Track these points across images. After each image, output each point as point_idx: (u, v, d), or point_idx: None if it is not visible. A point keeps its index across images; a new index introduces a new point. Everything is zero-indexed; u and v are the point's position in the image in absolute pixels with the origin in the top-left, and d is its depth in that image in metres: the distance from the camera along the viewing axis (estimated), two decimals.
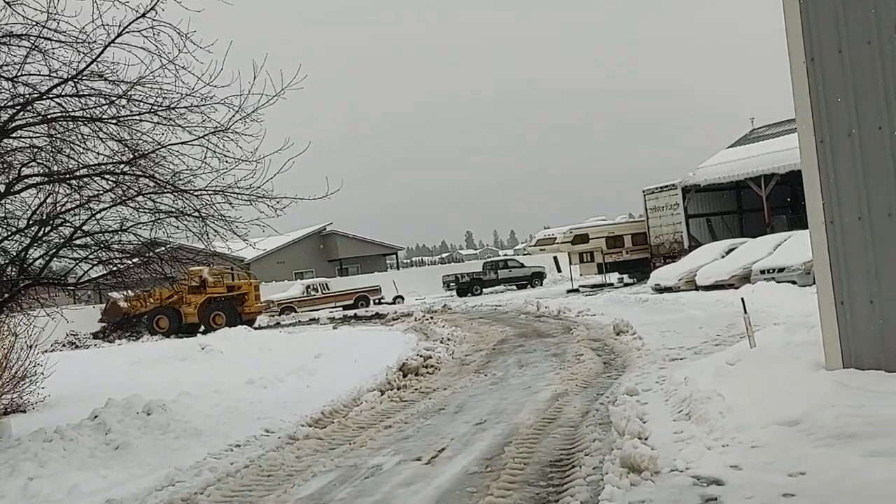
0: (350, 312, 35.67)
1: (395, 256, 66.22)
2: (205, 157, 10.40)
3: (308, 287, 40.06)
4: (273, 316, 37.19)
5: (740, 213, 35.30)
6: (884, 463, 5.06)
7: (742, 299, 9.58)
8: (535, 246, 39.53)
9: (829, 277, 7.41)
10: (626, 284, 34.10)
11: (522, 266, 43.48)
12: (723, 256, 24.67)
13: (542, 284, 42.69)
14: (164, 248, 11.85)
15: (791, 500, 4.84)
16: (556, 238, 36.59)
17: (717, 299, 19.62)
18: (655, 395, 8.75)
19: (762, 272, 21.05)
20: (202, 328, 31.18)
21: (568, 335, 16.91)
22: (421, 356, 14.56)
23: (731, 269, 22.92)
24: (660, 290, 25.45)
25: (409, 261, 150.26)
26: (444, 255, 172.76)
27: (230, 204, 10.79)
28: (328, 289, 40.57)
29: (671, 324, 16.57)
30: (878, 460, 5.12)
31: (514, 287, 42.05)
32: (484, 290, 41.17)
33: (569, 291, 34.01)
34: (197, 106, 10.06)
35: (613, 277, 36.04)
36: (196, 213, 10.70)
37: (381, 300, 41.22)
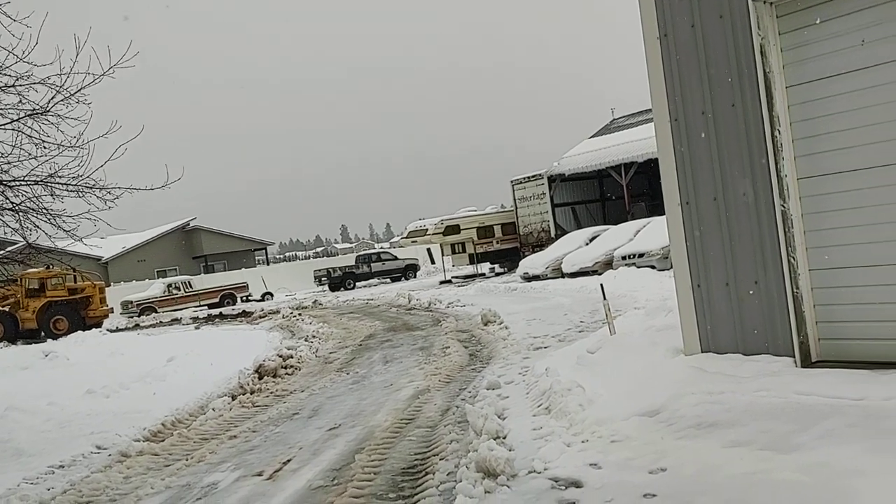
0: (215, 311, 34.06)
1: (264, 252, 64.09)
2: (20, 142, 9.25)
3: (170, 286, 38.00)
4: (132, 317, 34.98)
5: (603, 201, 36.16)
6: (744, 454, 4.81)
7: (601, 286, 9.38)
8: (407, 238, 39.02)
9: (685, 260, 7.23)
10: (498, 274, 34.25)
11: (396, 259, 42.90)
12: (587, 244, 25.08)
13: (415, 277, 42.30)
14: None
15: (652, 500, 4.48)
16: (427, 229, 36.26)
17: (582, 286, 19.79)
18: (517, 387, 8.37)
19: (623, 258, 21.47)
20: (42, 334, 28.73)
21: (437, 327, 16.50)
22: (281, 356, 13.70)
23: (595, 255, 23.28)
24: (528, 278, 25.60)
25: (281, 256, 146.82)
26: (319, 249, 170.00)
27: (53, 196, 9.67)
28: (191, 287, 38.64)
29: (538, 311, 16.48)
30: (739, 452, 4.86)
31: (388, 280, 41.45)
32: (357, 283, 40.32)
33: (441, 283, 33.77)
34: (11, 85, 8.92)
35: (485, 267, 36.14)
36: (12, 207, 9.49)
37: (249, 297, 39.66)
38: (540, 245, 32.08)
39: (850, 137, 6.12)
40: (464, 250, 35.90)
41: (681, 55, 7.01)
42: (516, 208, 35.19)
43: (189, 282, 39.35)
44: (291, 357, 13.88)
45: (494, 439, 6.06)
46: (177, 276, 45.75)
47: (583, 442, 5.72)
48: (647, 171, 31.18)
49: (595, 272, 22.47)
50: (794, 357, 6.39)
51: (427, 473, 5.93)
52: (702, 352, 7.16)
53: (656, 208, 29.13)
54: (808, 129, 6.34)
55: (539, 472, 5.30)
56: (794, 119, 6.40)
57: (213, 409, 10.16)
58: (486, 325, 14.96)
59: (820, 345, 6.44)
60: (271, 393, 11.12)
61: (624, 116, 37.46)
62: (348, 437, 7.59)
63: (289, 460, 7.04)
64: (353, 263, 42.91)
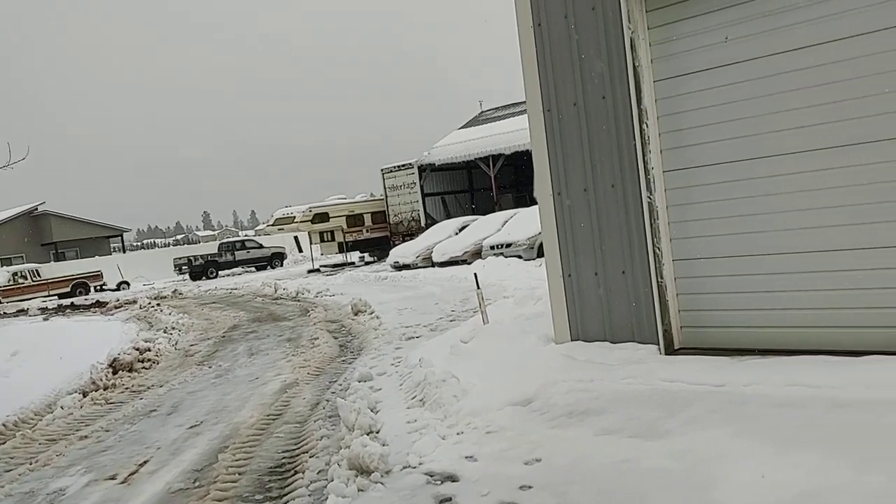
0: (67, 302, 31.91)
1: (120, 239, 60.73)
2: None
3: (15, 274, 35.33)
4: None
5: (472, 192, 36.59)
6: (615, 442, 4.88)
7: (475, 275, 9.38)
8: (273, 226, 37.94)
9: (556, 249, 7.30)
10: (367, 263, 33.95)
11: (261, 247, 41.66)
12: (457, 233, 25.28)
13: (282, 265, 41.27)
14: None
15: (528, 492, 4.45)
16: (295, 217, 35.41)
17: (453, 275, 19.91)
18: (390, 379, 8.22)
19: (492, 248, 21.78)
20: None
21: (305, 318, 16.09)
22: (137, 349, 12.91)
23: (464, 245, 23.49)
24: (399, 267, 25.52)
25: (139, 243, 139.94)
26: (179, 236, 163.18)
27: None
28: (39, 276, 36.04)
29: (409, 301, 16.41)
30: (610, 440, 4.93)
31: (254, 269, 40.22)
32: (220, 272, 38.87)
33: (310, 272, 33.10)
34: None
35: (355, 256, 35.74)
36: None
37: (104, 287, 37.43)
38: (410, 234, 32.08)
39: (713, 132, 6.33)
40: (333, 239, 35.35)
41: (554, 46, 7.04)
42: (387, 197, 35.02)
43: (37, 270, 36.73)
44: (149, 350, 13.12)
45: (367, 434, 5.89)
46: (23, 263, 42.57)
47: (458, 434, 5.64)
48: (514, 164, 31.82)
49: (465, 261, 22.69)
50: (658, 345, 6.58)
51: (296, 472, 5.67)
52: (571, 340, 7.26)
53: (522, 199, 29.74)
54: (675, 123, 6.52)
55: (414, 467, 5.17)
56: (661, 113, 6.57)
57: (61, 408, 9.41)
58: (356, 314, 14.73)
59: (682, 333, 6.67)
60: (127, 389, 10.45)
61: (492, 109, 38.02)
62: (211, 436, 7.19)
63: (146, 461, 6.57)
64: (216, 251, 41.34)
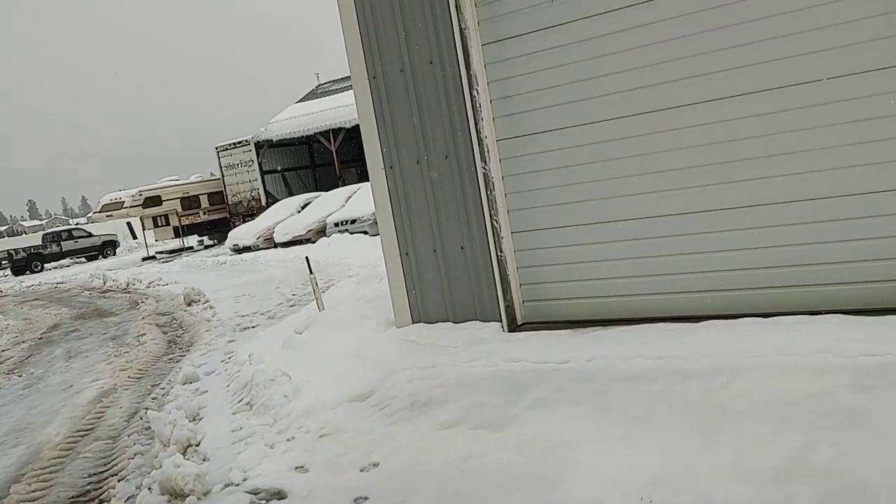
0: None
1: None
2: None
3: None
4: None
5: (314, 168, 35.51)
6: (458, 435, 4.49)
7: (307, 259, 8.75)
8: (101, 212, 35.24)
9: (392, 226, 6.84)
10: (207, 247, 32.31)
11: (91, 235, 38.59)
12: (299, 211, 24.39)
13: (115, 254, 38.46)
14: None
15: None
16: (124, 202, 33.09)
17: (296, 255, 19.07)
18: (218, 379, 7.49)
19: (336, 224, 21.12)
20: None
21: (133, 311, 14.87)
22: None
23: (308, 223, 22.66)
24: (239, 250, 24.36)
25: None
26: (2, 228, 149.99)
27: None
28: None
29: (248, 286, 15.51)
30: (453, 433, 4.54)
31: (84, 259, 37.25)
32: (46, 265, 35.71)
33: (144, 259, 31.02)
34: None
35: (193, 240, 33.89)
36: None
37: None
38: (251, 214, 30.76)
39: (544, 97, 6.04)
40: (167, 223, 33.37)
41: (376, 7, 6.51)
42: (223, 177, 33.36)
43: None
44: None
45: (186, 448, 5.21)
46: None
47: (288, 440, 5.07)
48: (355, 137, 30.89)
49: (309, 240, 21.88)
50: (501, 322, 6.29)
51: (101, 502, 4.92)
52: (413, 322, 6.86)
53: (366, 174, 29.06)
54: (506, 89, 6.18)
55: (237, 485, 4.56)
56: (492, 78, 6.20)
57: None
58: (189, 305, 13.75)
59: (525, 307, 6.40)
60: None
61: (330, 82, 36.96)
62: (6, 462, 6.22)
63: None
64: (40, 243, 37.94)
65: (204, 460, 5.03)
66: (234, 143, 32.73)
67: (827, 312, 4.96)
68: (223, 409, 6.22)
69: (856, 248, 5.02)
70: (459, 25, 6.06)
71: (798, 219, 5.20)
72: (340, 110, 29.84)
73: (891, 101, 4.84)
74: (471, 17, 6.10)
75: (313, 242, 21.04)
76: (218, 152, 33.23)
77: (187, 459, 4.86)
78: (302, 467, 4.60)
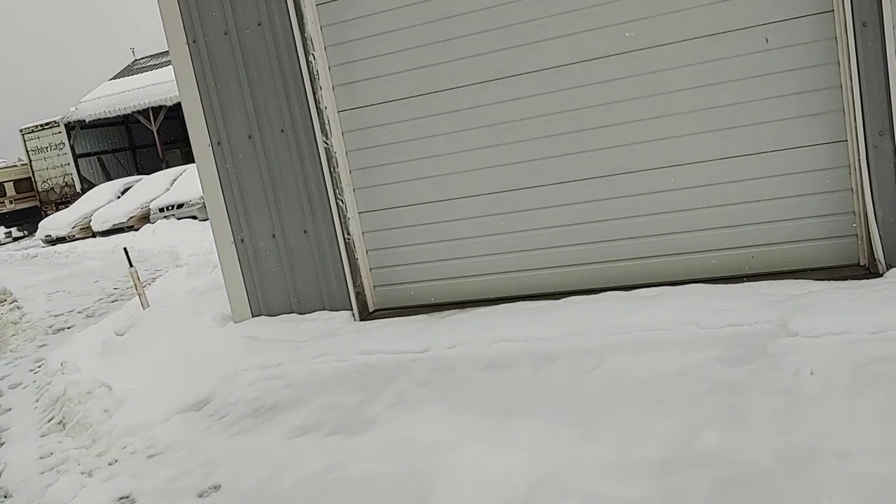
0: None
1: None
2: None
3: None
4: None
5: (133, 150, 33.01)
6: (313, 444, 3.96)
7: (125, 250, 7.79)
8: None
9: (223, 210, 6.13)
10: (16, 239, 29.21)
11: None
12: (119, 197, 22.47)
13: None
14: None
15: None
16: None
17: (117, 245, 17.47)
18: (26, 393, 6.46)
19: (161, 210, 19.63)
20: None
21: None
22: None
23: (129, 209, 20.90)
24: (52, 241, 22.14)
25: None
26: None
27: None
28: None
29: (63, 281, 13.97)
30: (306, 442, 4.00)
31: None
32: None
33: None
34: None
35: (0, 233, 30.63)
36: None
37: None
38: (64, 202, 28.14)
39: (387, 64, 5.57)
40: None
41: None
42: (31, 161, 30.28)
43: None
44: None
45: None
46: None
47: (110, 465, 4.32)
48: (179, 116, 29.09)
49: (132, 227, 20.20)
50: (351, 310, 5.79)
51: None
52: (253, 316, 6.22)
53: (192, 154, 27.32)
54: (346, 55, 5.64)
55: None
56: (329, 42, 5.64)
57: None
58: None
59: (377, 293, 5.95)
60: None
61: (147, 57, 34.39)
62: None
63: None
64: None
65: (5, 497, 4.20)
66: (41, 125, 29.76)
67: (689, 282, 4.86)
68: (30, 431, 5.28)
69: (714, 216, 4.95)
70: None
71: (654, 187, 5.07)
72: (160, 87, 27.79)
73: (737, 65, 4.78)
74: None
75: (137, 230, 19.46)
76: (23, 135, 30.11)
77: None
78: (128, 497, 3.89)
